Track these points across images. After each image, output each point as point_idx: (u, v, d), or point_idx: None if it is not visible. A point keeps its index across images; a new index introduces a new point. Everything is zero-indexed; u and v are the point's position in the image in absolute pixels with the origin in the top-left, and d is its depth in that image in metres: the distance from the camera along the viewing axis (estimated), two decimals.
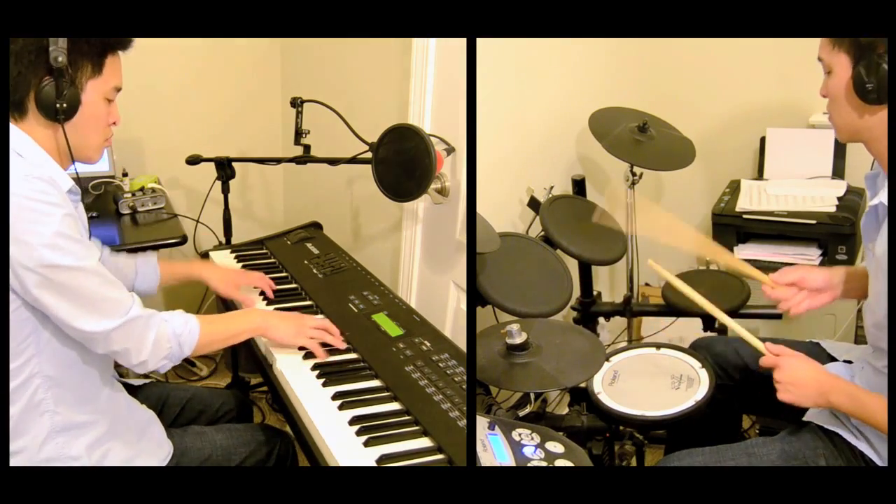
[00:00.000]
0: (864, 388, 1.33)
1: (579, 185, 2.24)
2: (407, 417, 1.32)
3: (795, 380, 1.31)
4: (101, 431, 1.32)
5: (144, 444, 1.38)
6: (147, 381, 1.63)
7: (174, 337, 1.30)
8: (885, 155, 1.25)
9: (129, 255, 1.66)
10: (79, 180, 1.29)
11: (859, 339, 2.16)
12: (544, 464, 1.19)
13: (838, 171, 2.29)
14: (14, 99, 1.22)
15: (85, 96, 1.25)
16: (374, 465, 1.18)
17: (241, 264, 2.02)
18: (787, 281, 1.48)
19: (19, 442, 1.24)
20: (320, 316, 1.68)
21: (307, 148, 2.08)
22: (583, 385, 1.53)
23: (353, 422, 1.29)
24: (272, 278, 1.92)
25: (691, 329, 2.12)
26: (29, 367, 1.22)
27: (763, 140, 2.39)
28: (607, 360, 1.62)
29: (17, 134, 1.23)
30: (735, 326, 1.43)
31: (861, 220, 1.35)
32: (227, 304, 1.85)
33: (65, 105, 1.22)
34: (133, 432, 1.37)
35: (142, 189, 2.37)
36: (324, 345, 1.51)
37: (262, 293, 1.79)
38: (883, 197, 1.25)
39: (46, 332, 1.22)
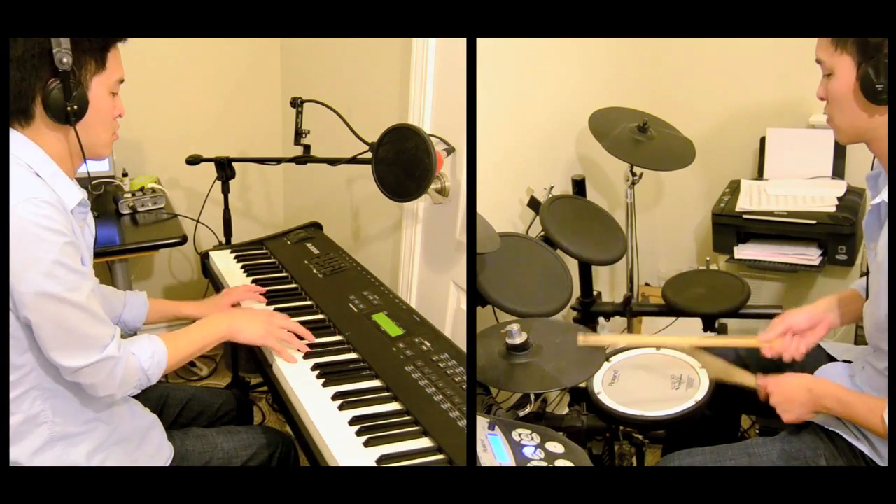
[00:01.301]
0: (853, 391, 1.33)
1: (579, 185, 2.24)
2: (407, 418, 1.32)
3: (787, 396, 1.35)
4: (101, 439, 1.31)
5: (144, 449, 1.38)
6: None
7: (141, 371, 1.30)
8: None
9: (116, 291, 1.65)
10: (90, 182, 1.28)
11: (859, 339, 2.16)
12: (544, 464, 1.19)
13: (838, 171, 2.29)
14: (19, 106, 1.19)
15: (91, 94, 1.23)
16: (374, 465, 1.18)
17: (240, 264, 2.02)
18: (778, 333, 1.49)
19: (17, 450, 1.23)
20: (319, 316, 1.68)
21: (307, 148, 2.08)
22: (583, 385, 1.52)
23: (353, 422, 1.29)
24: (272, 278, 1.93)
25: (691, 329, 2.13)
26: (28, 379, 1.22)
27: (763, 140, 2.39)
28: (607, 360, 1.62)
29: (26, 144, 1.21)
30: (728, 375, 1.46)
31: (863, 220, 1.35)
32: None
33: (75, 107, 1.20)
34: (133, 438, 1.37)
35: (142, 189, 2.37)
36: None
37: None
38: (885, 195, 1.25)
39: None
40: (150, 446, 1.39)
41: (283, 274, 1.96)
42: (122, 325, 1.63)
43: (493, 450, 1.22)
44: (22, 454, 1.24)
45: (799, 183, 2.28)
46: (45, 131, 1.22)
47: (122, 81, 1.30)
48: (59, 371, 1.22)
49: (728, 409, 1.70)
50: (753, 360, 1.56)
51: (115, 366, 1.24)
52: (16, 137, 1.21)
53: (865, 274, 1.44)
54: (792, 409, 1.34)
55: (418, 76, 1.98)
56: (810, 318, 1.49)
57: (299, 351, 1.51)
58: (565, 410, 1.68)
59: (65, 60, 1.17)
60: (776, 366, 1.47)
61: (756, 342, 1.50)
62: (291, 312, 1.71)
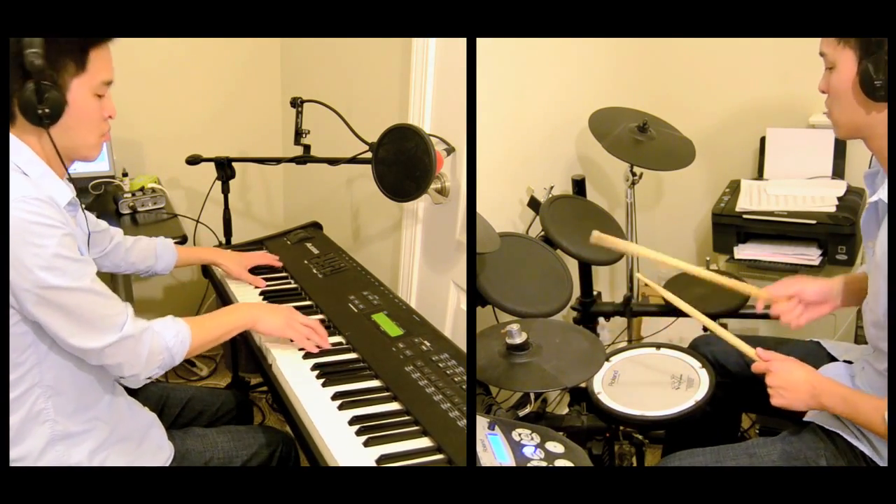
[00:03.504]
0: (857, 391, 1.33)
1: (579, 185, 2.24)
2: (407, 417, 1.32)
3: (787, 383, 1.32)
4: (102, 438, 1.31)
5: (145, 448, 1.37)
6: (147, 380, 1.63)
7: (166, 350, 1.30)
8: (885, 152, 1.25)
9: (149, 239, 1.80)
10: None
11: (859, 339, 2.16)
12: (544, 464, 1.19)
13: (838, 171, 2.29)
14: None
15: (71, 95, 1.20)
16: (374, 465, 1.18)
17: None
18: (786, 294, 1.48)
19: (19, 450, 1.23)
20: (319, 316, 1.68)
21: (307, 148, 2.08)
22: (583, 385, 1.52)
23: (352, 422, 1.29)
24: (272, 278, 1.93)
25: (691, 329, 2.12)
26: (29, 377, 1.22)
27: (763, 140, 2.39)
28: (607, 360, 1.62)
29: (15, 144, 1.20)
30: (725, 334, 1.44)
31: (861, 218, 1.35)
32: (225, 304, 1.85)
33: (48, 110, 1.17)
34: (134, 437, 1.37)
35: (142, 189, 2.37)
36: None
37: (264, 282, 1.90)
38: (882, 194, 1.25)
39: (45, 344, 1.22)
40: (151, 445, 1.39)
41: (283, 274, 1.96)
42: (152, 273, 1.80)
43: (493, 449, 1.22)
44: (24, 454, 1.24)
45: (799, 183, 2.28)
46: (26, 131, 1.21)
47: (109, 83, 1.27)
48: (85, 356, 1.23)
49: (728, 409, 1.70)
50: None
51: (137, 343, 1.25)
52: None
53: None
54: (785, 397, 1.31)
55: (418, 76, 1.98)
56: (822, 293, 1.49)
57: (318, 347, 1.53)
58: (565, 410, 1.68)
59: (36, 62, 1.14)
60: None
61: (760, 294, 1.50)
62: None
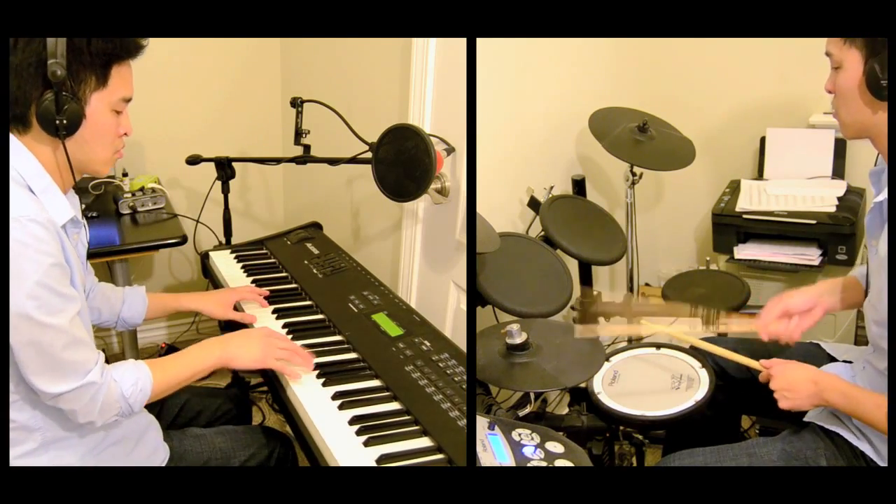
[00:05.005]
0: (859, 387, 1.33)
1: (579, 185, 2.24)
2: (407, 417, 1.32)
3: (789, 384, 1.33)
4: (95, 441, 1.30)
5: (140, 450, 1.36)
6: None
7: (122, 399, 1.24)
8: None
9: (115, 288, 1.64)
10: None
11: (859, 339, 2.16)
12: (544, 464, 1.19)
13: (838, 171, 2.29)
14: (16, 112, 1.17)
15: (89, 109, 1.20)
16: (374, 465, 1.18)
17: (241, 264, 2.02)
18: (776, 315, 1.48)
19: (11, 454, 1.22)
20: (319, 316, 1.68)
21: (307, 148, 2.08)
22: (583, 385, 1.53)
23: (352, 421, 1.29)
24: (272, 278, 1.93)
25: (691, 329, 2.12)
26: (16, 392, 1.19)
27: (763, 140, 2.39)
28: (607, 360, 1.62)
29: (21, 153, 1.18)
30: (728, 353, 1.46)
31: (865, 217, 1.35)
32: None
33: (65, 121, 1.16)
34: (129, 440, 1.35)
35: (142, 189, 2.37)
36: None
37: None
38: (886, 194, 1.25)
39: None
40: (146, 448, 1.38)
41: (283, 274, 1.96)
42: (121, 322, 1.62)
43: (493, 449, 1.22)
44: (24, 457, 1.23)
45: (799, 183, 2.28)
46: (40, 140, 1.19)
47: (128, 100, 1.26)
48: (41, 396, 1.19)
49: (728, 409, 1.70)
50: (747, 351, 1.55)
51: (97, 392, 1.20)
52: (13, 145, 1.19)
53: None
54: (792, 398, 1.32)
55: (418, 76, 1.98)
56: (808, 300, 1.49)
57: (304, 369, 1.44)
58: (565, 410, 1.68)
59: (58, 73, 1.14)
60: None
61: (753, 327, 1.50)
62: (291, 312, 1.72)
